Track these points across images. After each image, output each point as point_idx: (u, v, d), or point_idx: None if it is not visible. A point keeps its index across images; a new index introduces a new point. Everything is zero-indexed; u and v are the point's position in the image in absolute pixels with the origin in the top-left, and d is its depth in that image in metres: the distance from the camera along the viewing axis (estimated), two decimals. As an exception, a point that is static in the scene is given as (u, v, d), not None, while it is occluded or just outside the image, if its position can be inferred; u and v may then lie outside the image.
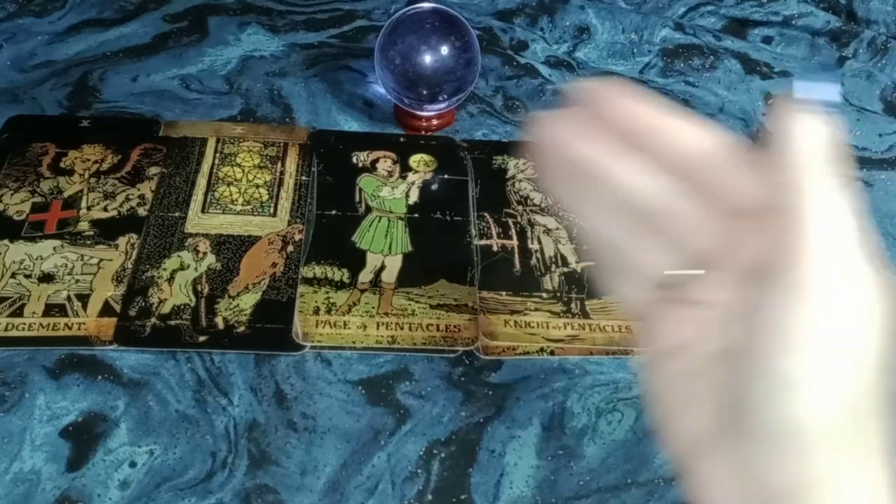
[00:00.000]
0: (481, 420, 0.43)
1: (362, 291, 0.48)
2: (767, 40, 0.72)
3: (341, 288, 0.48)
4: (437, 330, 0.46)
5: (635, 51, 0.69)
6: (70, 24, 0.65)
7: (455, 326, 0.46)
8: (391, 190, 0.54)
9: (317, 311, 0.46)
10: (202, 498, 0.39)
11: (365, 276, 0.48)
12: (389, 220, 0.52)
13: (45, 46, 0.63)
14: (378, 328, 0.46)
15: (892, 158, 0.62)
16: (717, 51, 0.69)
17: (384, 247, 0.50)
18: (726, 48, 0.69)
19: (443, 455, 0.42)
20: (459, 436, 0.43)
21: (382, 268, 0.49)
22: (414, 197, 0.53)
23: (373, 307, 0.47)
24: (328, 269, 0.49)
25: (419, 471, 0.41)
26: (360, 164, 0.55)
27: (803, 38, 0.72)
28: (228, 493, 0.40)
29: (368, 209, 0.52)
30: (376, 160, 0.56)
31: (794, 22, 0.73)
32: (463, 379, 0.45)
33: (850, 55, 0.71)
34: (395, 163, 0.56)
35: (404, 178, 0.55)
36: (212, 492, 0.39)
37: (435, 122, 0.58)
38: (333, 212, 0.52)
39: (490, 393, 0.45)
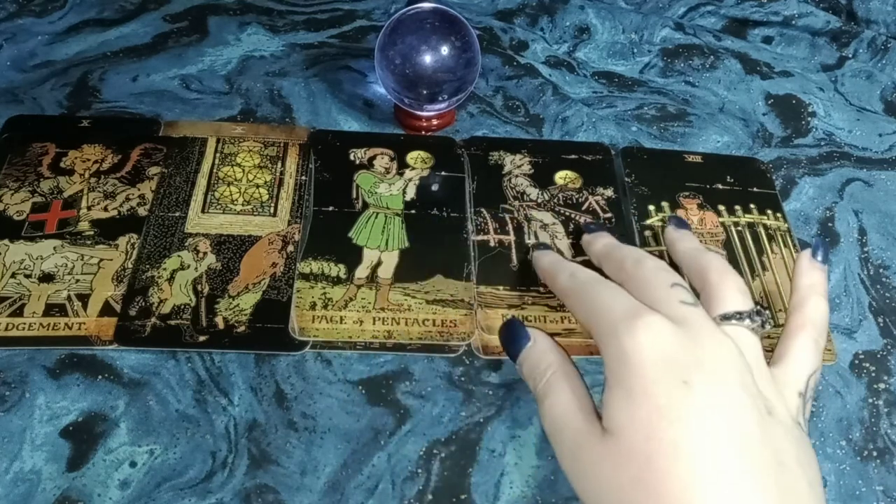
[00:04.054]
0: (481, 420, 0.43)
1: (359, 287, 0.48)
2: (767, 40, 0.72)
3: (338, 283, 0.48)
4: (434, 325, 0.46)
5: (635, 51, 0.69)
6: (70, 24, 0.65)
7: (451, 321, 0.46)
8: (388, 186, 0.54)
9: (313, 307, 0.46)
10: (202, 498, 0.39)
11: (361, 271, 0.48)
12: (386, 217, 0.52)
13: (45, 46, 0.63)
14: (374, 323, 0.46)
15: (892, 158, 0.62)
16: (717, 51, 0.69)
17: (381, 242, 0.50)
18: (726, 48, 0.69)
19: (443, 455, 0.42)
20: (459, 436, 0.43)
21: (379, 263, 0.49)
22: (411, 193, 0.54)
23: (369, 302, 0.47)
24: (325, 264, 0.49)
25: (419, 471, 0.41)
26: (358, 161, 0.55)
27: (803, 38, 0.72)
28: (228, 492, 0.40)
29: (365, 205, 0.52)
30: (373, 157, 0.56)
31: (794, 22, 0.73)
32: (463, 379, 0.45)
33: (850, 55, 0.71)
34: (392, 159, 0.56)
35: (401, 174, 0.55)
36: (212, 491, 0.40)
37: (435, 122, 0.58)
38: (331, 208, 0.52)
39: (490, 393, 0.45)
